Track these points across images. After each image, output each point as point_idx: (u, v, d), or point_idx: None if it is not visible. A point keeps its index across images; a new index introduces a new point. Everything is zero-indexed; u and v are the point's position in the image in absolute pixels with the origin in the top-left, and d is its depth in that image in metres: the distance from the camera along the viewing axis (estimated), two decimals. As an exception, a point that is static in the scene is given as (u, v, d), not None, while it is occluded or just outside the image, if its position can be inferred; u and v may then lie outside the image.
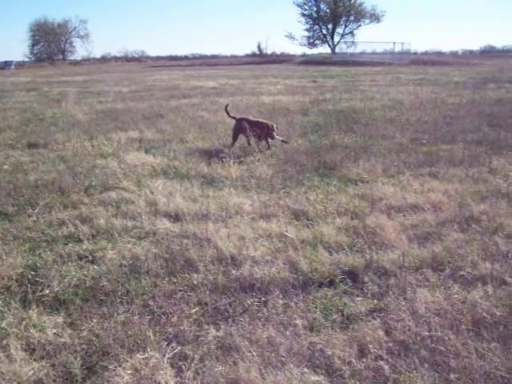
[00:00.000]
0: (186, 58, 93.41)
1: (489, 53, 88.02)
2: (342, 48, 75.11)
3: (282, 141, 10.30)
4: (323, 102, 17.17)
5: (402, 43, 57.42)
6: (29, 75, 35.47)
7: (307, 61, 59.44)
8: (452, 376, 3.30)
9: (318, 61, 56.92)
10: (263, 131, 10.10)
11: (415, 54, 67.50)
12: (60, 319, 4.14)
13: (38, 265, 5.08)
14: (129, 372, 3.43)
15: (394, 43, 57.26)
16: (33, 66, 72.32)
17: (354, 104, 16.42)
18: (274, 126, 10.24)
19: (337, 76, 33.16)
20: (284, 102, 17.24)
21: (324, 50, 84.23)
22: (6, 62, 68.84)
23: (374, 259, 4.92)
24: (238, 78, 32.09)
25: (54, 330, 3.97)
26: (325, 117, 13.81)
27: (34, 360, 3.63)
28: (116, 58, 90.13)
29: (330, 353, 3.57)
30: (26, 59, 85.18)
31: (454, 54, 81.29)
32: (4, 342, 3.81)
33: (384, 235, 5.49)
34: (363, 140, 10.50)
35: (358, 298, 4.30)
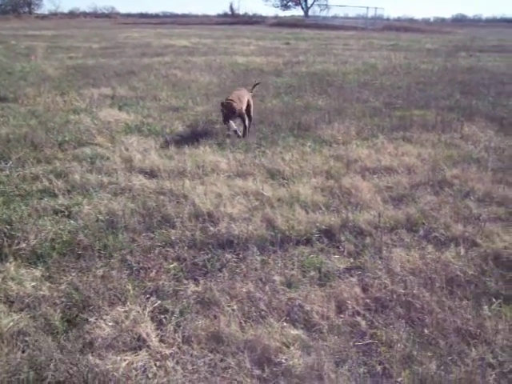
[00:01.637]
0: (156, 16, 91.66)
1: (460, 21, 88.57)
2: (315, 11, 74.76)
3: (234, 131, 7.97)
4: (296, 64, 17.11)
5: (376, 8, 57.54)
6: (-6, 28, 34.54)
7: (280, 23, 58.88)
8: (426, 331, 3.40)
9: (290, 23, 56.47)
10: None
11: (388, 19, 67.55)
12: (38, 273, 4.12)
13: (13, 218, 5.02)
14: (110, 324, 3.44)
15: (368, 8, 57.33)
16: (-3, 18, 70.26)
17: (327, 67, 16.42)
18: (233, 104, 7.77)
19: (310, 39, 33.00)
20: (257, 63, 17.14)
21: (297, 12, 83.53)
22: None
23: (350, 219, 4.98)
24: (210, 38, 31.74)
25: (33, 283, 3.95)
26: (298, 79, 13.79)
27: (14, 312, 3.62)
28: (85, 14, 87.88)
29: (308, 308, 3.62)
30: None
31: (427, 22, 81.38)
32: (-18, 293, 3.79)
33: (359, 196, 5.56)
34: (337, 103, 10.54)
35: (335, 256, 4.36)
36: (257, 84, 9.65)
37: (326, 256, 4.37)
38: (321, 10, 73.34)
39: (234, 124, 7.86)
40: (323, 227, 4.84)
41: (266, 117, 9.14)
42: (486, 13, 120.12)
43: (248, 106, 8.27)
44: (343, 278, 4.02)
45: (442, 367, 3.08)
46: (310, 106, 10.12)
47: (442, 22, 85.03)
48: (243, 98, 8.16)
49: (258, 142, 7.59)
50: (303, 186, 5.78)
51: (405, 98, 11.22)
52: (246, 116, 8.09)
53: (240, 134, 7.95)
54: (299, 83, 12.96)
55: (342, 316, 3.58)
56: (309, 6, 79.90)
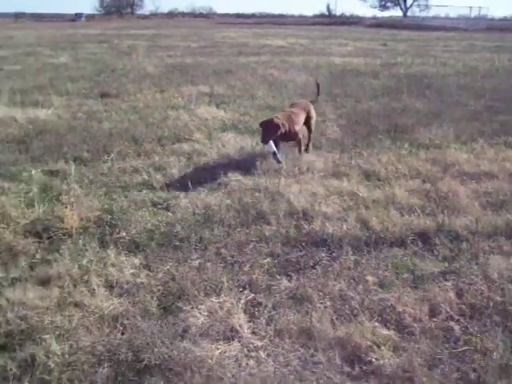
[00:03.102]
0: (253, 16, 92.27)
1: None
2: (414, 11, 73.26)
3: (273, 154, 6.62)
4: (394, 66, 16.86)
5: (479, 8, 55.53)
6: (98, 28, 35.86)
7: (377, 24, 58.08)
8: (526, 343, 3.29)
9: (388, 24, 55.56)
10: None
11: (492, 20, 65.06)
12: (137, 261, 4.29)
13: (114, 209, 5.25)
14: (204, 314, 3.55)
15: (471, 8, 55.45)
16: (102, 18, 73.06)
17: (425, 69, 16.07)
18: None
19: (408, 40, 32.37)
20: (354, 64, 17.02)
21: (395, 12, 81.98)
22: (76, 13, 70.04)
23: (446, 223, 4.88)
24: (306, 38, 31.73)
25: (132, 271, 4.13)
26: (396, 80, 13.58)
27: (114, 296, 3.79)
28: (183, 14, 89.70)
29: (400, 310, 3.59)
30: (96, 12, 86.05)
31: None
32: (85, 277, 3.99)
33: (456, 200, 5.43)
34: (435, 106, 10.30)
35: (429, 260, 4.29)
36: (318, 85, 8.14)
37: (419, 259, 4.30)
38: (420, 10, 71.90)
39: (273, 145, 6.51)
40: (418, 230, 4.77)
41: (363, 118, 9.07)
42: None
43: (308, 118, 7.25)
44: (437, 282, 3.95)
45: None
46: (408, 109, 9.95)
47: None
48: (299, 114, 7.04)
49: (354, 143, 7.54)
50: (399, 188, 5.71)
51: (508, 101, 10.81)
52: (299, 136, 6.94)
53: (280, 159, 6.57)
54: (396, 85, 12.76)
55: (435, 320, 3.53)
56: (408, 6, 78.39)
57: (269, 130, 6.40)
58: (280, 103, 10.30)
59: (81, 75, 13.99)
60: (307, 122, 7.26)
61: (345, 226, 4.79)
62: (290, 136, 6.75)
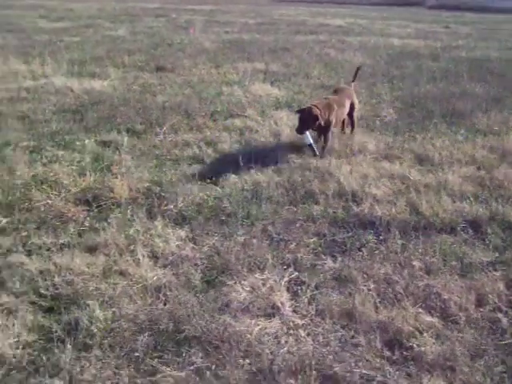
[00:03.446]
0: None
1: None
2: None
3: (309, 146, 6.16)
4: (455, 49, 16.39)
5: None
6: (157, 1, 35.94)
7: (440, 5, 56.39)
8: None
9: (451, 5, 53.93)
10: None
11: None
12: (183, 233, 4.33)
13: (164, 181, 5.29)
14: (247, 289, 3.56)
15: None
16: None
17: (489, 53, 15.55)
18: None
19: (472, 23, 31.41)
20: (414, 46, 16.61)
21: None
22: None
23: (500, 212, 4.75)
24: (365, 18, 31.14)
25: (177, 243, 4.17)
26: (456, 64, 13.20)
27: (158, 267, 3.84)
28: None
29: (446, 297, 3.53)
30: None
31: None
32: (131, 247, 4.04)
33: (512, 189, 5.28)
34: (497, 91, 9.97)
35: (479, 249, 4.18)
36: (358, 69, 7.43)
37: (469, 247, 4.21)
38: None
39: (310, 137, 6.08)
40: (469, 218, 4.66)
41: (419, 101, 8.86)
42: None
43: (352, 107, 6.72)
44: (486, 272, 3.85)
45: None
46: (467, 93, 9.66)
47: None
48: (344, 102, 6.54)
49: (408, 126, 7.38)
50: (452, 174, 5.58)
51: None
52: (330, 130, 6.30)
53: (317, 152, 6.09)
54: (456, 69, 12.40)
55: (481, 310, 3.45)
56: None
57: (306, 120, 5.93)
58: (335, 83, 10.15)
59: (138, 48, 14.06)
60: (350, 111, 6.75)
61: (394, 210, 4.72)
62: (325, 128, 6.18)
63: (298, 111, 6.12)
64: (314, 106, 6.03)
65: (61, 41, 14.77)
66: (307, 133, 6.02)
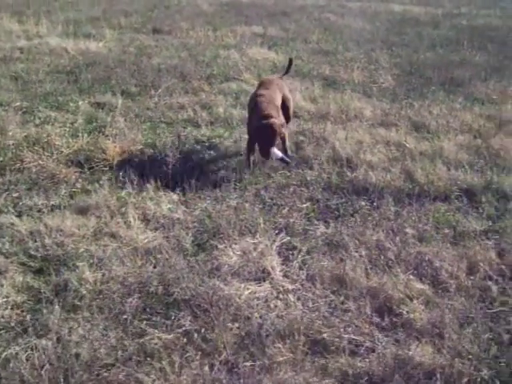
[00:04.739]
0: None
1: None
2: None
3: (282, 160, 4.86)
4: (457, 16, 16.15)
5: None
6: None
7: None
8: None
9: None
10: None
11: None
12: (175, 196, 4.32)
13: (157, 144, 5.24)
14: (237, 253, 3.55)
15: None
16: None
17: (491, 21, 15.36)
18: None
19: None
20: (414, 13, 16.37)
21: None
22: None
23: (495, 181, 4.71)
24: (367, -16, 30.77)
25: (169, 206, 4.15)
26: (456, 31, 13.02)
27: (149, 230, 3.82)
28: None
29: (437, 265, 3.51)
30: None
31: None
32: (123, 209, 4.02)
33: (508, 158, 5.23)
34: (497, 60, 9.85)
35: (472, 217, 4.16)
36: (291, 62, 6.06)
37: (463, 215, 4.19)
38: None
39: (276, 150, 4.80)
40: (464, 186, 4.63)
41: (418, 69, 8.73)
42: None
43: (284, 103, 5.34)
44: (478, 240, 3.83)
45: None
46: (466, 61, 9.53)
47: None
48: (276, 97, 5.22)
49: (406, 93, 7.31)
50: (448, 142, 5.53)
51: None
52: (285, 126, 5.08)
53: (288, 159, 4.88)
54: (457, 36, 12.23)
55: (472, 278, 3.44)
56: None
57: (267, 139, 4.73)
58: (333, 49, 10.04)
59: (134, 10, 13.85)
60: (284, 109, 5.31)
61: (388, 176, 4.68)
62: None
63: (255, 130, 4.83)
64: (268, 115, 4.81)
65: (56, 0, 14.53)
66: (273, 149, 4.78)
